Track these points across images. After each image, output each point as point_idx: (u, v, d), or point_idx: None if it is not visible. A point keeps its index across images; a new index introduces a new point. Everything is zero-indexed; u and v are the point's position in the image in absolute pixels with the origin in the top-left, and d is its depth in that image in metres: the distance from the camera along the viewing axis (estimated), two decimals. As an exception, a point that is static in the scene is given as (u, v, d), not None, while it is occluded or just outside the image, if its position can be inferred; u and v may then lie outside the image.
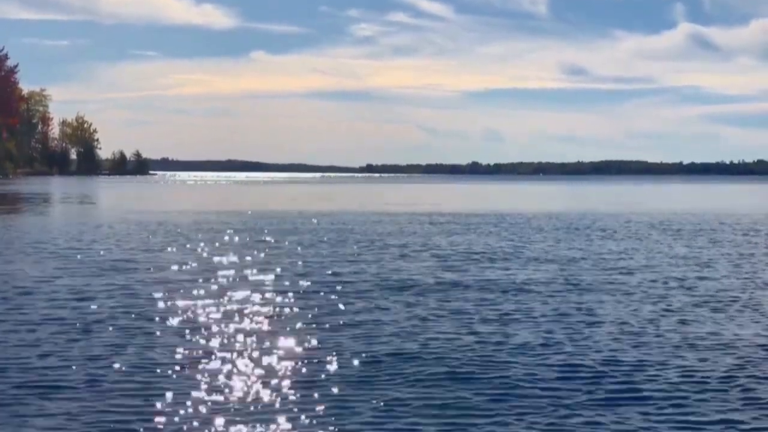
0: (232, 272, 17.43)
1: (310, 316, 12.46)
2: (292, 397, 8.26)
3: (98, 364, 9.46)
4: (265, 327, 11.65)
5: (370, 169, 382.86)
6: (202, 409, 7.89)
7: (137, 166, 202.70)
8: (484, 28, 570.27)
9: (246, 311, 12.75)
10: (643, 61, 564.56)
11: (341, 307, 13.22)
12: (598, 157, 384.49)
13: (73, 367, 9.31)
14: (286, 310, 12.94)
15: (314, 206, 48.49)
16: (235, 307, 13.16)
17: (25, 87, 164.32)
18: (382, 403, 8.07)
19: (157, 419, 7.60)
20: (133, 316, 12.39)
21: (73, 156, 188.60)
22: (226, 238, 25.69)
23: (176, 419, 7.63)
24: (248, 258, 20.06)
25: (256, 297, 14.10)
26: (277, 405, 8.03)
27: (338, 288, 15.27)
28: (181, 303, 13.44)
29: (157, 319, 12.17)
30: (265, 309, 13.01)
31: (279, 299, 13.93)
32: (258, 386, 8.62)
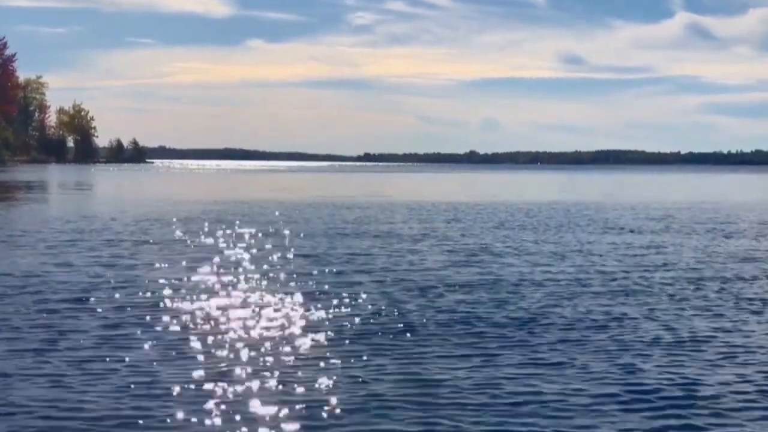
0: (235, 265, 17.07)
1: (323, 314, 11.93)
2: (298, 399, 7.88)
3: (92, 363, 9.05)
4: (272, 323, 11.18)
5: (367, 157, 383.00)
6: (205, 410, 7.51)
7: (134, 155, 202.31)
8: (481, 17, 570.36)
9: (248, 310, 12.08)
10: (640, 50, 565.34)
11: (354, 308, 12.38)
12: (596, 147, 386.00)
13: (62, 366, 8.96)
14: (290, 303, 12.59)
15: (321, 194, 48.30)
16: (235, 304, 12.66)
17: (22, 74, 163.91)
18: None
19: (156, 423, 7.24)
20: (127, 315, 11.73)
21: (70, 144, 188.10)
22: (228, 228, 25.31)
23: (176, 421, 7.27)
24: (254, 252, 19.67)
25: (263, 294, 13.49)
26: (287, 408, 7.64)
27: (350, 286, 14.45)
28: (183, 296, 13.06)
29: (153, 318, 11.65)
30: (271, 301, 12.62)
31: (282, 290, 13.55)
32: (264, 388, 8.19)
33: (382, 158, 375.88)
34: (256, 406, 7.65)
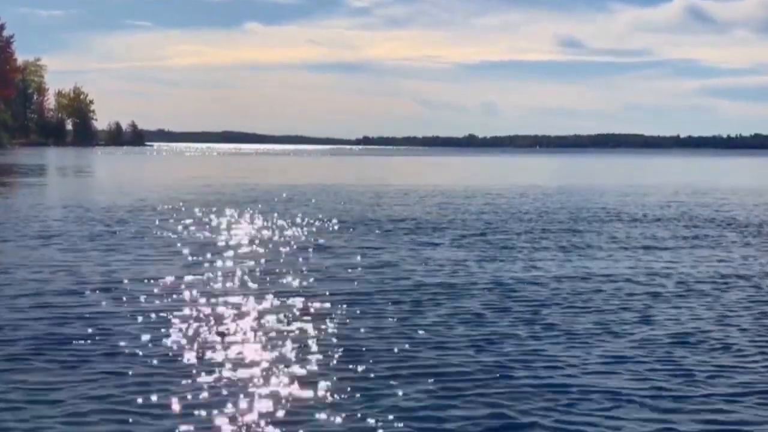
0: (237, 256, 16.90)
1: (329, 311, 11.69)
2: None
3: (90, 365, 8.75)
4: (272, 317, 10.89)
5: (366, 141, 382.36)
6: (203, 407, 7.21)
7: (133, 138, 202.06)
8: (479, 0, 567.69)
9: (250, 308, 11.20)
10: (639, 33, 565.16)
11: (367, 308, 11.35)
12: (595, 130, 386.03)
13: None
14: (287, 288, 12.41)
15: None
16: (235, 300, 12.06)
17: (20, 57, 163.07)
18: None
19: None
20: (126, 313, 10.77)
21: (69, 127, 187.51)
22: (232, 214, 25.16)
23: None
24: (258, 241, 19.57)
25: (270, 287, 13.09)
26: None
27: (360, 280, 13.74)
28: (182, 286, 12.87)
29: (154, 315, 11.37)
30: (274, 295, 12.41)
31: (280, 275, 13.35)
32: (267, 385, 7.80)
33: (381, 142, 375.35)
34: (262, 408, 7.14)
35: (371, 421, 6.88)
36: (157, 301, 11.41)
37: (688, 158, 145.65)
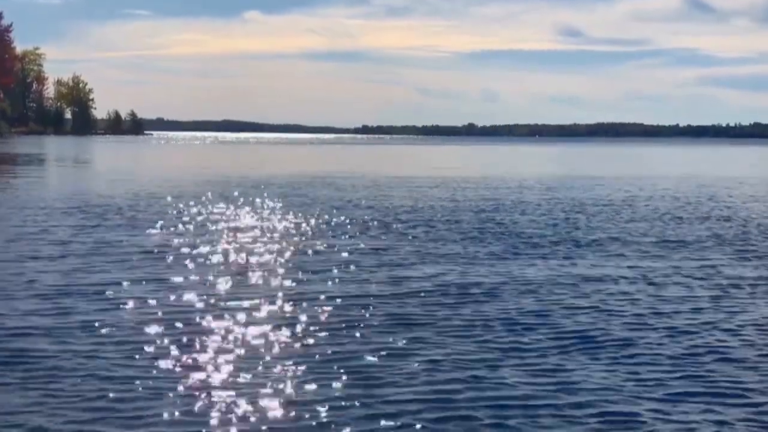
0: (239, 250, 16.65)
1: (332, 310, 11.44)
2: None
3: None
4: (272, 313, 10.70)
5: (365, 130, 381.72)
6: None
7: (132, 126, 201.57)
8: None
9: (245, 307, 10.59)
10: (639, 22, 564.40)
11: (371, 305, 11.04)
12: (595, 119, 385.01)
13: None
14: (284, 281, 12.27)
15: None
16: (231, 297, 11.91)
17: (18, 46, 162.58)
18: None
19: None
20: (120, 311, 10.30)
21: (68, 116, 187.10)
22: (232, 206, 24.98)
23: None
24: (261, 234, 19.33)
25: (266, 282, 12.88)
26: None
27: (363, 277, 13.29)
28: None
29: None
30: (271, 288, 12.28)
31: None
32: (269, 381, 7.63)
33: (381, 131, 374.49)
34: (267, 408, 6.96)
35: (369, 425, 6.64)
36: (149, 303, 10.73)
37: (688, 147, 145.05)
